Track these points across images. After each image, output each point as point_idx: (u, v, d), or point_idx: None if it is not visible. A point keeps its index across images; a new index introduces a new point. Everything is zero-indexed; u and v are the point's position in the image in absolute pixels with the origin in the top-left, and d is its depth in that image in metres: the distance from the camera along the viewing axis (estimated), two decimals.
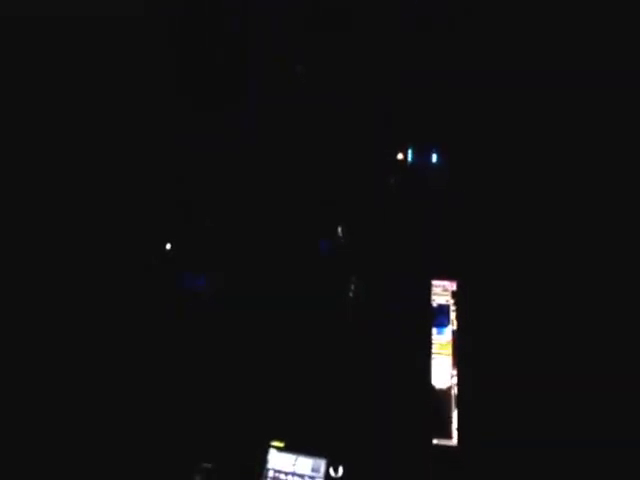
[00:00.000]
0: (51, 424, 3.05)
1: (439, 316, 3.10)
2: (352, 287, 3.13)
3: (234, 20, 3.29)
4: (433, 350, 3.07)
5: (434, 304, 3.11)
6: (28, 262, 3.14)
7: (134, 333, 3.17)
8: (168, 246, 3.20)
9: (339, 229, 3.13)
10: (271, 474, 2.96)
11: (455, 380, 3.01)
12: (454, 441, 2.92)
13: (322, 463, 2.97)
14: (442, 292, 3.12)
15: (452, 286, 3.11)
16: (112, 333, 3.17)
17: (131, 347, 3.17)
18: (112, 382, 3.13)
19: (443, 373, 3.04)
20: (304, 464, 2.96)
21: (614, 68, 2.90)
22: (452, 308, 3.10)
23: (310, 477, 2.93)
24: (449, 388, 3.02)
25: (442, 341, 3.08)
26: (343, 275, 3.18)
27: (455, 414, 2.97)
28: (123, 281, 3.18)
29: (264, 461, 2.99)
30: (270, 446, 3.06)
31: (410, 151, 3.07)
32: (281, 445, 3.05)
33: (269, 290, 3.21)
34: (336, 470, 2.92)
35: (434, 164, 3.08)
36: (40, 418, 3.04)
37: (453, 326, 3.08)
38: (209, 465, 3.01)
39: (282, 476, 2.95)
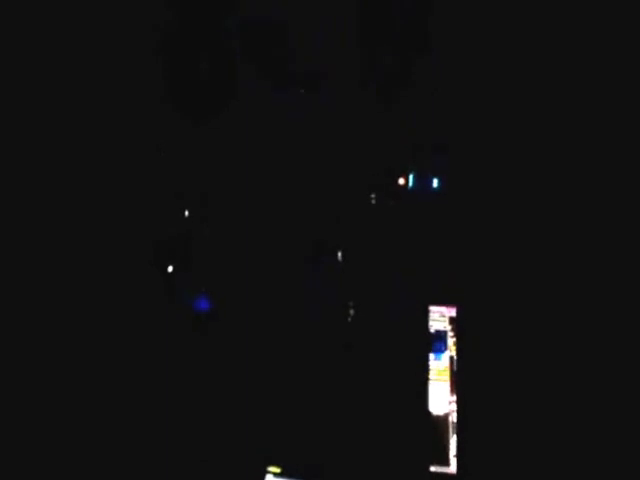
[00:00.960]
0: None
1: (436, 342, 3.10)
2: (350, 312, 3.10)
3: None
4: (430, 376, 3.08)
5: (431, 330, 3.11)
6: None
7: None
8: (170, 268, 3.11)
9: (339, 253, 3.09)
10: None
11: (453, 406, 3.03)
12: (452, 468, 2.95)
13: None
14: (439, 318, 3.12)
15: (450, 312, 3.11)
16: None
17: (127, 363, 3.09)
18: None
19: (440, 399, 3.05)
20: None
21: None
22: (450, 334, 3.10)
23: None
24: (447, 414, 3.04)
25: (439, 367, 3.09)
26: (341, 300, 3.15)
27: (453, 441, 2.99)
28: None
29: None
30: (267, 472, 3.04)
31: (411, 176, 3.04)
32: (278, 470, 3.03)
33: (264, 316, 3.16)
34: None
35: (435, 189, 3.06)
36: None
37: (450, 352, 3.09)
38: None
39: None
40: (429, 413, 3.04)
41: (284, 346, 3.14)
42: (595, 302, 2.83)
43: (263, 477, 3.02)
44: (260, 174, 3.23)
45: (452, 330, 3.09)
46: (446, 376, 3.07)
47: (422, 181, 3.06)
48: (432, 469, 2.97)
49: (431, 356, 3.09)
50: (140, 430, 3.06)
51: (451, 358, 3.08)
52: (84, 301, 3.08)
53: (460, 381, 2.98)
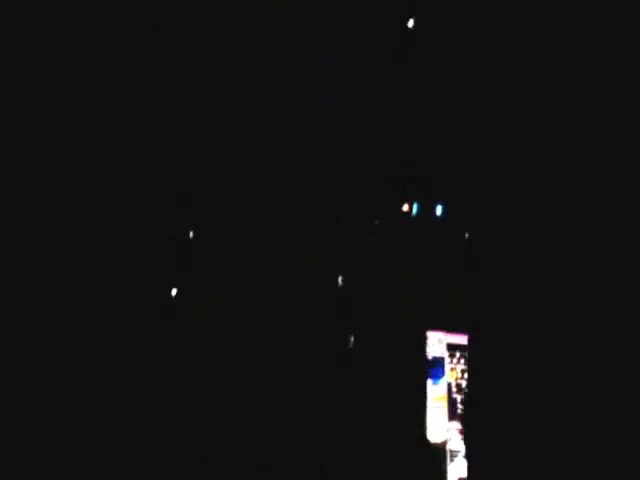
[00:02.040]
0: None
1: (434, 368, 3.11)
2: (350, 339, 3.06)
3: None
4: (428, 403, 3.07)
5: (429, 356, 3.12)
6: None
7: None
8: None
9: (339, 279, 3.06)
10: None
11: (450, 434, 3.03)
12: None
13: None
14: (437, 344, 3.13)
15: (447, 338, 3.13)
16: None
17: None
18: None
19: (438, 426, 3.04)
20: None
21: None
22: (447, 360, 3.12)
23: None
24: (444, 442, 3.03)
25: (437, 394, 3.09)
26: (340, 324, 3.11)
27: (450, 468, 2.98)
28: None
29: None
30: None
31: (415, 204, 3.07)
32: None
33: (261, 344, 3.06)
34: None
35: (438, 217, 3.10)
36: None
37: (448, 378, 3.10)
38: None
39: None
40: (427, 441, 3.03)
41: (284, 368, 3.05)
42: (585, 327, 2.91)
43: None
44: (262, 195, 3.17)
45: (450, 356, 3.11)
46: (444, 403, 3.08)
47: (425, 208, 3.10)
48: None
49: (429, 382, 3.09)
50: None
51: (449, 384, 3.09)
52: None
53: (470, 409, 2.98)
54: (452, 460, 3.00)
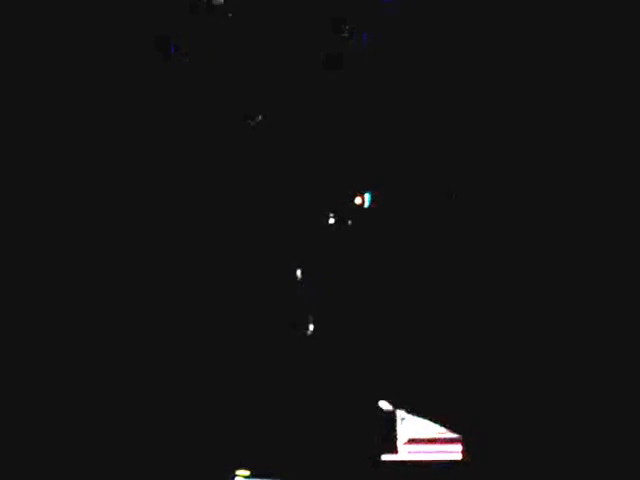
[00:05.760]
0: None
1: None
2: (310, 326, 3.27)
3: None
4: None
5: None
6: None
7: None
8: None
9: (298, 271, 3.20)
10: None
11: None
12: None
13: None
14: None
15: None
16: None
17: None
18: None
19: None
20: None
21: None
22: None
23: None
24: (394, 409, 3.40)
25: None
26: (299, 312, 3.29)
27: (400, 430, 3.38)
28: None
29: None
30: (235, 476, 3.24)
31: (368, 195, 3.17)
32: (247, 474, 3.24)
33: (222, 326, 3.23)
34: None
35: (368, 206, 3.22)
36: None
37: None
38: None
39: None
40: (379, 408, 3.39)
41: (247, 354, 3.26)
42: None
43: None
44: (217, 188, 3.18)
45: None
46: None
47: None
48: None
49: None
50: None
51: None
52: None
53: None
54: (402, 423, 3.39)
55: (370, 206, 3.23)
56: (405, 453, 3.35)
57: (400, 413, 3.40)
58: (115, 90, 3.08)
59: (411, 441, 3.39)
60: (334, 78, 3.24)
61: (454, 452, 3.30)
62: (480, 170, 3.20)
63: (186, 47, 3.13)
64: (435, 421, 3.35)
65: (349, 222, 3.21)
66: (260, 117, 2.94)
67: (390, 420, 3.39)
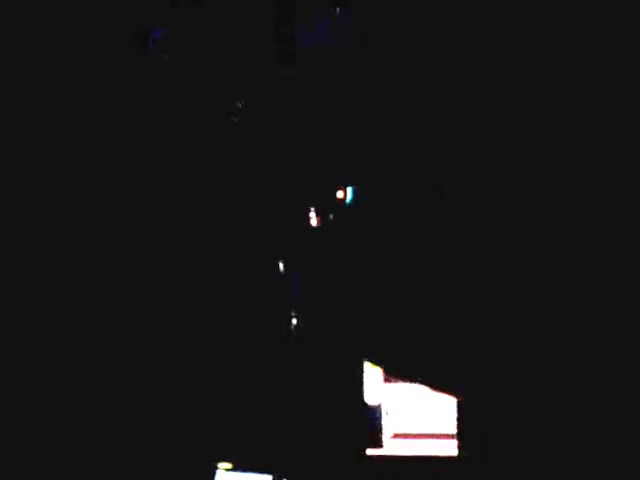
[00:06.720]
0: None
1: None
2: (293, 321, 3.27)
3: None
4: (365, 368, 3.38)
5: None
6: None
7: None
8: None
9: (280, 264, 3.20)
10: None
11: (386, 395, 3.38)
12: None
13: (269, 479, 3.27)
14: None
15: None
16: None
17: None
18: None
19: (374, 389, 3.38)
20: None
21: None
22: None
23: None
24: (380, 403, 3.39)
25: None
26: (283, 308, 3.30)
27: (385, 424, 3.37)
28: None
29: None
30: (217, 468, 3.27)
31: (350, 190, 3.15)
32: (229, 466, 3.28)
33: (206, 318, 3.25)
34: None
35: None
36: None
37: None
38: None
39: None
40: (364, 402, 3.38)
41: (230, 346, 3.28)
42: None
43: (213, 474, 3.26)
44: (199, 181, 3.20)
45: None
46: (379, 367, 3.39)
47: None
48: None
49: None
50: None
51: None
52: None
53: None
54: (387, 418, 3.38)
55: (352, 201, 3.21)
56: (391, 447, 3.34)
57: (386, 407, 3.38)
58: (95, 85, 3.10)
59: (397, 435, 3.38)
60: (319, 72, 3.21)
61: (441, 447, 3.29)
62: (469, 166, 3.16)
63: (167, 42, 3.14)
64: (424, 414, 3.34)
65: (330, 216, 3.20)
66: (241, 104, 2.93)
67: (376, 414, 3.38)
